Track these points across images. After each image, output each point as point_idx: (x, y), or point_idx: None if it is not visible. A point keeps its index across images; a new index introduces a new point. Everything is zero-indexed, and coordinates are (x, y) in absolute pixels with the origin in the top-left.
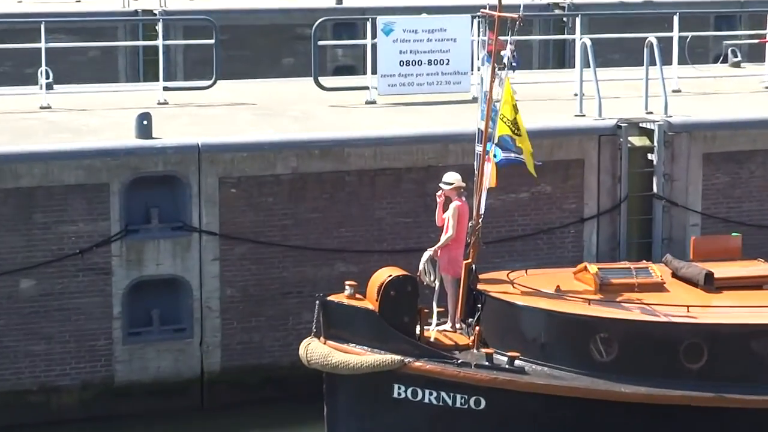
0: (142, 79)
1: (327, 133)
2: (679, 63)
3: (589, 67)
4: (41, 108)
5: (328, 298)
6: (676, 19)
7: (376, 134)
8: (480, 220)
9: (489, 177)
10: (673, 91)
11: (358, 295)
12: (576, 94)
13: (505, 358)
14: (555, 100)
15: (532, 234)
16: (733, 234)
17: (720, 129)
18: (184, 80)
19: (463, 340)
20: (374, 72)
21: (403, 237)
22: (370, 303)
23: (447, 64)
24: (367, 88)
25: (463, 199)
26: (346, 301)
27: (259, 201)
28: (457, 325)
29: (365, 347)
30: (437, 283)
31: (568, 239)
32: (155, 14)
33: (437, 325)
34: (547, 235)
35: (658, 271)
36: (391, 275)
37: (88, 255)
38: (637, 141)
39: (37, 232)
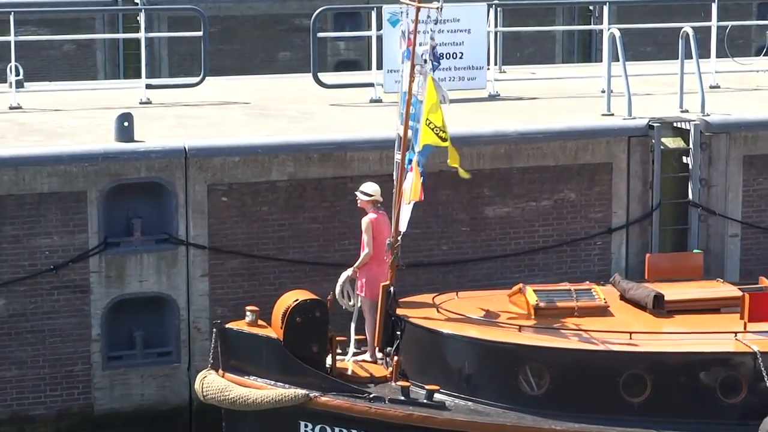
0: (122, 76)
1: (327, 135)
2: (718, 56)
3: (618, 60)
4: (11, 108)
5: (227, 326)
6: (714, 6)
7: (382, 136)
8: (399, 238)
9: (411, 189)
10: (711, 87)
11: (261, 322)
12: (603, 91)
13: (424, 392)
14: (580, 97)
15: (554, 246)
16: (695, 251)
17: (762, 129)
18: (169, 77)
19: (381, 371)
20: (380, 67)
21: (412, 250)
22: (275, 331)
23: (461, 58)
24: (372, 84)
25: (380, 212)
26: (247, 329)
27: (252, 210)
28: (379, 355)
29: (268, 381)
30: (356, 307)
31: (594, 252)
32: (137, 4)
33: (354, 354)
34: (571, 247)
35: (602, 294)
36: (297, 299)
37: (64, 271)
38: (671, 143)
39: (7, 246)
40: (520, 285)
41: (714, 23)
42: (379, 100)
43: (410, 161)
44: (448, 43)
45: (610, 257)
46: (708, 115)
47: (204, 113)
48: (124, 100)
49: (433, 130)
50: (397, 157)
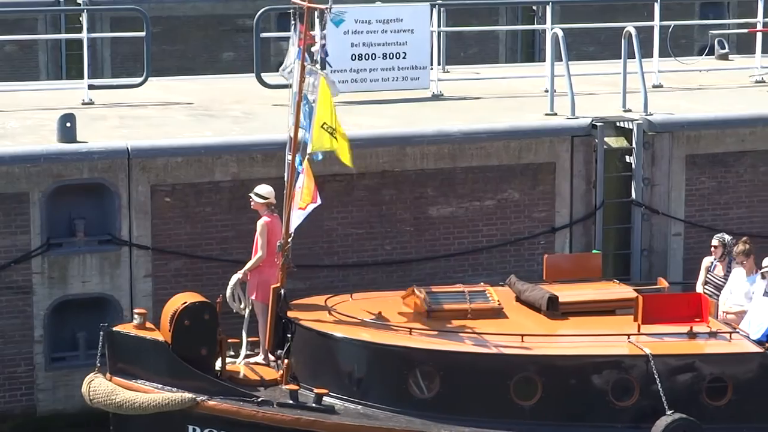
0: (65, 77)
1: (271, 136)
2: (661, 55)
3: (561, 60)
4: None
5: (115, 329)
6: (657, 6)
7: None
8: (290, 240)
9: (303, 192)
10: (654, 87)
11: (149, 325)
12: (546, 91)
13: (313, 395)
14: (523, 97)
15: (498, 245)
16: (594, 251)
17: (705, 128)
18: (111, 77)
19: (272, 374)
20: (323, 67)
21: (355, 250)
22: (163, 334)
23: (404, 57)
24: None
25: (275, 215)
26: (134, 332)
27: (195, 211)
28: (271, 357)
29: (155, 384)
30: (247, 310)
31: (538, 251)
32: (79, 4)
33: (247, 357)
34: (514, 247)
35: (496, 296)
36: (185, 302)
37: (6, 272)
38: (614, 142)
39: None
40: (414, 287)
41: (657, 23)
42: None
43: (301, 163)
44: (392, 43)
45: None
46: (651, 114)
47: (147, 114)
48: (66, 100)
49: (330, 133)
50: (288, 158)
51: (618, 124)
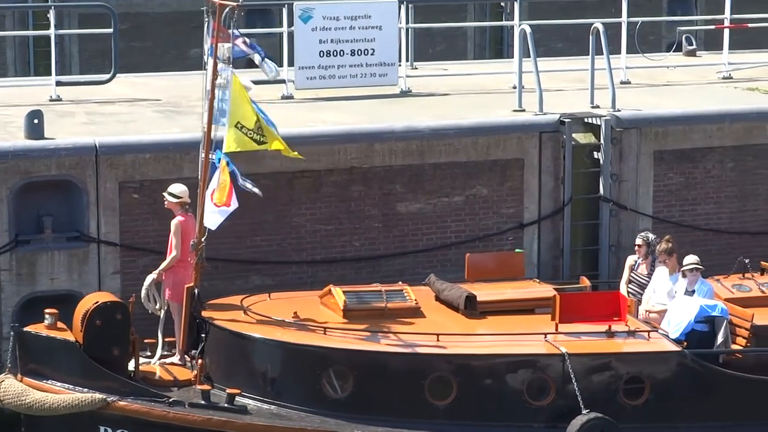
0: (33, 73)
1: None
2: (628, 52)
3: (529, 56)
4: None
5: (26, 329)
6: (624, 3)
7: (294, 132)
8: (203, 239)
9: (218, 191)
10: (622, 83)
11: (60, 325)
12: (515, 87)
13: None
14: (492, 93)
15: (466, 241)
16: (517, 250)
17: (673, 124)
18: (79, 74)
19: (186, 374)
20: (291, 64)
21: (324, 246)
22: (75, 334)
23: (372, 54)
24: (283, 81)
25: (189, 214)
26: (45, 332)
27: (164, 208)
28: (188, 358)
29: (67, 385)
30: (163, 310)
31: (506, 247)
32: (47, 0)
33: (163, 357)
34: (483, 243)
35: (413, 295)
36: (97, 302)
37: None
38: (582, 138)
39: None
40: (330, 286)
41: (624, 19)
42: (290, 97)
43: (219, 161)
44: (360, 40)
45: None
46: (619, 110)
47: (115, 110)
48: (34, 97)
49: (246, 133)
50: (202, 156)
51: (586, 120)
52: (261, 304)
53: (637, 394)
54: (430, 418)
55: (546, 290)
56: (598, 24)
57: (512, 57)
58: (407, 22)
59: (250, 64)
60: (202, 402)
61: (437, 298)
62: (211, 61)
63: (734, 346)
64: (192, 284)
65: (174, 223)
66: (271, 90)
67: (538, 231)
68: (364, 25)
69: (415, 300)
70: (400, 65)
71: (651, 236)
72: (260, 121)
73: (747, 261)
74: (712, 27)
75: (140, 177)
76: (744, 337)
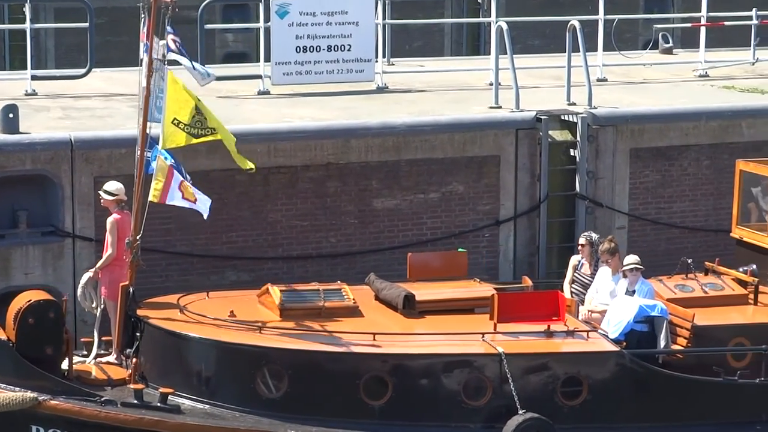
0: (8, 67)
1: None
2: (605, 49)
3: (506, 53)
4: None
5: None
6: (601, 1)
7: (270, 128)
8: (138, 237)
9: (152, 188)
10: (598, 81)
11: None
12: (491, 84)
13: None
14: (468, 89)
15: (442, 238)
16: (459, 249)
17: (649, 122)
18: (55, 68)
19: (121, 373)
20: (267, 59)
21: (300, 242)
22: (8, 332)
23: (349, 50)
24: (259, 77)
25: (125, 211)
26: None
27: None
28: (124, 356)
29: None
30: (99, 309)
31: (482, 244)
32: None
33: (99, 356)
34: (459, 240)
35: (351, 294)
36: (29, 300)
37: None
38: (559, 135)
39: None
40: (269, 285)
41: (601, 17)
42: (267, 92)
43: (155, 158)
44: (336, 35)
45: (498, 249)
46: (595, 107)
47: (90, 105)
48: (9, 91)
49: (183, 128)
50: (138, 153)
51: (562, 117)
52: (198, 303)
53: (575, 395)
54: (366, 418)
55: (486, 290)
56: (574, 21)
57: (489, 54)
58: (384, 18)
59: (228, 59)
60: (135, 401)
61: (377, 298)
62: (146, 58)
63: (675, 347)
64: (127, 283)
65: (109, 221)
66: (248, 85)
67: (514, 228)
68: (340, 20)
69: (353, 299)
70: (376, 61)
71: (594, 236)
72: (203, 114)
73: (690, 261)
74: (689, 25)
75: (116, 172)
76: (685, 338)
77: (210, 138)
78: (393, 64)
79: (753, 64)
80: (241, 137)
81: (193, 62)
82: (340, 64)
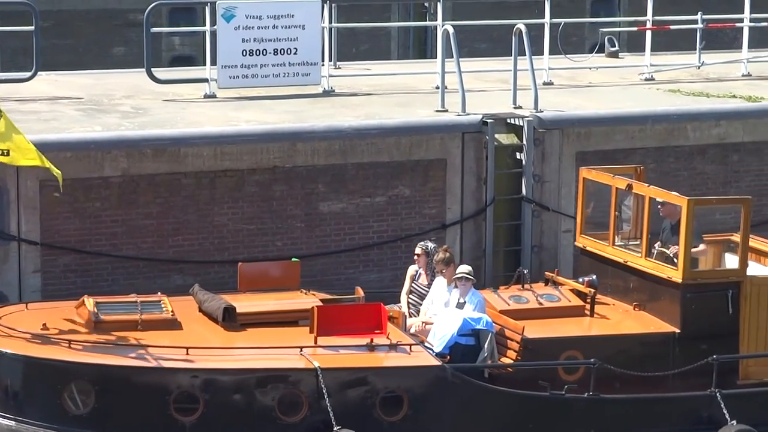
0: None
1: (161, 131)
2: (551, 53)
3: (452, 57)
4: None
5: None
6: (547, 4)
7: (216, 131)
8: None
9: None
10: (545, 84)
11: None
12: (437, 87)
13: None
14: (415, 93)
15: (389, 241)
16: (293, 259)
17: (595, 125)
18: (0, 72)
19: None
20: (214, 63)
21: (246, 245)
22: None
23: (295, 53)
24: (206, 80)
25: None
26: None
27: (85, 206)
28: None
29: None
30: None
31: None
32: None
33: None
34: (405, 243)
35: (170, 306)
36: None
37: None
38: (505, 139)
39: None
40: (85, 297)
41: (547, 20)
42: (213, 96)
43: None
44: (283, 39)
45: None
46: (541, 111)
47: (36, 108)
48: None
49: None
50: None
51: (508, 120)
52: (14, 315)
53: (395, 410)
54: None
55: (311, 302)
56: (521, 25)
57: (436, 57)
58: (330, 22)
59: (175, 62)
60: None
61: (200, 310)
62: None
63: (505, 360)
64: None
65: None
66: (194, 89)
67: (461, 231)
68: (287, 24)
69: (172, 311)
70: (323, 65)
71: (431, 245)
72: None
73: (526, 271)
74: (635, 29)
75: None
76: (515, 350)
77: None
78: (339, 68)
79: (698, 67)
80: (188, 141)
81: None
82: (287, 68)
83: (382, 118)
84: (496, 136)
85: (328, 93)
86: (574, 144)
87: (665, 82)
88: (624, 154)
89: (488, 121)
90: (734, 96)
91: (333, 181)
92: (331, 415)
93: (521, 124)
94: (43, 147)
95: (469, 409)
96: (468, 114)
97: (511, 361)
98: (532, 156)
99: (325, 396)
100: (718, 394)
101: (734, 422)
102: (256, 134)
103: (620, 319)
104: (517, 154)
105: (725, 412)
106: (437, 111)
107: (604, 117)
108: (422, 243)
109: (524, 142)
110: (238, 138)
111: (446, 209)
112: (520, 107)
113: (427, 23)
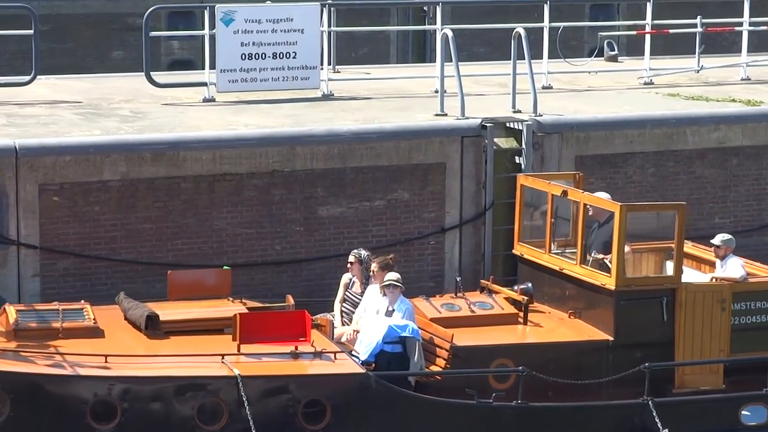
0: None
1: (160, 135)
2: (550, 57)
3: (451, 61)
4: None
5: None
6: (546, 8)
7: (215, 135)
8: None
9: None
10: (543, 88)
11: None
12: (437, 91)
13: None
14: (414, 97)
15: (388, 245)
16: (224, 267)
17: (594, 129)
18: None
19: None
20: (213, 66)
21: (245, 249)
22: None
23: (294, 57)
24: (205, 84)
25: None
26: None
27: (84, 210)
28: None
29: None
30: None
31: (427, 251)
32: None
33: None
34: (404, 247)
35: (92, 314)
36: None
37: None
38: (504, 143)
39: None
40: (6, 304)
41: (546, 24)
42: (212, 100)
43: None
44: (281, 43)
45: (443, 257)
46: (540, 115)
47: (35, 112)
48: None
49: None
50: None
51: (507, 124)
52: None
53: (318, 418)
54: None
55: (237, 309)
56: (520, 29)
57: (435, 61)
58: (329, 26)
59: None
60: None
61: (126, 318)
62: None
63: (434, 368)
64: None
65: None
66: (193, 93)
67: (460, 235)
68: (286, 28)
69: (94, 319)
70: (322, 68)
71: (364, 253)
72: None
73: (459, 279)
74: (634, 33)
75: (60, 179)
76: (444, 359)
77: None
78: (338, 72)
79: (697, 71)
80: (187, 145)
81: None
82: (286, 72)
83: (381, 122)
84: (495, 140)
85: (327, 97)
86: (573, 148)
87: (664, 86)
88: (623, 158)
89: (487, 125)
90: (733, 100)
91: (332, 185)
92: (251, 424)
93: (520, 128)
94: (42, 151)
95: (394, 418)
96: (467, 118)
97: (438, 369)
98: (532, 160)
99: (246, 405)
100: (650, 402)
101: (666, 431)
102: (255, 138)
103: (554, 327)
104: (517, 158)
105: (657, 420)
106: (436, 115)
107: (603, 121)
108: (356, 251)
109: (523, 146)
110: (237, 142)
111: (445, 213)
112: (519, 111)
113: (426, 27)
